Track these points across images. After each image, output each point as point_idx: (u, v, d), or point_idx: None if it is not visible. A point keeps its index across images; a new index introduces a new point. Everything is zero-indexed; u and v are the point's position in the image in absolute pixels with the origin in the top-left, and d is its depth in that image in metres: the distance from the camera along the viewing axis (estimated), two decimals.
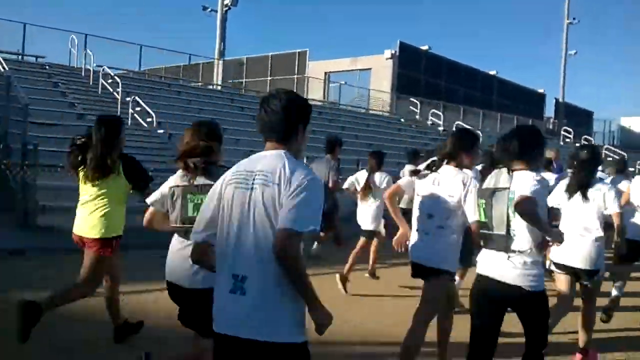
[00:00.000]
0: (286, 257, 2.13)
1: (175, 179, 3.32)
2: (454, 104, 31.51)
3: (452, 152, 3.97)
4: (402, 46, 31.16)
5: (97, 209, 4.17)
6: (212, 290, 2.38)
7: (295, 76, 29.87)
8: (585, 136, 36.47)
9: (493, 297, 3.38)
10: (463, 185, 3.76)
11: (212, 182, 2.61)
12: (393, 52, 30.69)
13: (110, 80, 16.51)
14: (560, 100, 38.91)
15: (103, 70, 16.81)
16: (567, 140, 35.16)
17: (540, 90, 43.31)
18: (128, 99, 15.13)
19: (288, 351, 2.22)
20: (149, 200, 3.51)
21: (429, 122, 27.38)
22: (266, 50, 32.07)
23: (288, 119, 2.35)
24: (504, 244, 3.28)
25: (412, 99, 28.21)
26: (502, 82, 39.03)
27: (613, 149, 35.82)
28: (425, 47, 33.14)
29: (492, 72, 38.61)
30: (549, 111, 43.13)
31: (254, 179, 2.28)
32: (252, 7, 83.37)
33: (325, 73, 32.51)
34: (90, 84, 16.86)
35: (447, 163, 3.97)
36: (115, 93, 15.66)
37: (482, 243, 3.48)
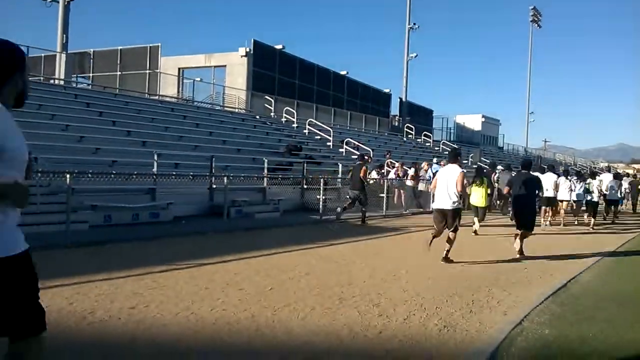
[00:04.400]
0: None
1: None
2: (307, 102, 32.58)
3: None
4: (257, 44, 31.48)
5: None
6: None
7: (147, 71, 28.95)
8: (425, 132, 39.68)
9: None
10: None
11: None
12: (247, 49, 30.93)
13: None
14: (404, 99, 41.82)
15: None
16: (410, 135, 38.01)
17: (387, 90, 46.17)
18: None
19: None
20: None
21: (283, 119, 28.06)
22: (115, 43, 30.55)
23: None
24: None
25: (267, 97, 28.71)
26: (352, 82, 41.00)
27: (449, 143, 39.43)
28: (279, 47, 33.79)
29: (343, 73, 40.41)
30: (394, 109, 46.27)
31: None
32: None
33: (179, 69, 31.90)
34: None
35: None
36: None
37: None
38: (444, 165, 11.81)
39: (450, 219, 8.75)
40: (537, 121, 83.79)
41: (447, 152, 25.71)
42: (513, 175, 13.91)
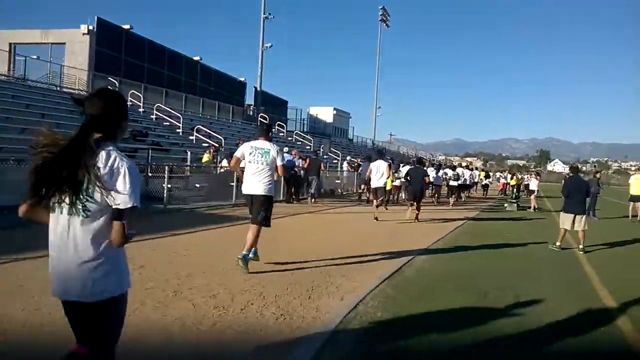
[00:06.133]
0: None
1: None
2: (156, 86, 31.11)
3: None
4: (101, 22, 29.37)
5: None
6: None
7: None
8: (280, 122, 39.97)
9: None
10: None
11: None
12: (90, 27, 28.75)
13: None
14: (259, 89, 41.67)
15: None
16: None
17: (242, 79, 45.77)
18: None
19: None
20: None
21: (129, 103, 26.51)
22: None
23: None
24: None
25: (110, 78, 26.87)
26: (205, 68, 39.96)
27: (302, 134, 40.12)
28: (126, 26, 31.83)
29: (196, 58, 39.22)
30: (249, 99, 46.01)
31: None
32: None
33: (11, 44, 28.80)
34: None
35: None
36: None
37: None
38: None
39: (380, 191, 14.16)
40: (384, 116, 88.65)
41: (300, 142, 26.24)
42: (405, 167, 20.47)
